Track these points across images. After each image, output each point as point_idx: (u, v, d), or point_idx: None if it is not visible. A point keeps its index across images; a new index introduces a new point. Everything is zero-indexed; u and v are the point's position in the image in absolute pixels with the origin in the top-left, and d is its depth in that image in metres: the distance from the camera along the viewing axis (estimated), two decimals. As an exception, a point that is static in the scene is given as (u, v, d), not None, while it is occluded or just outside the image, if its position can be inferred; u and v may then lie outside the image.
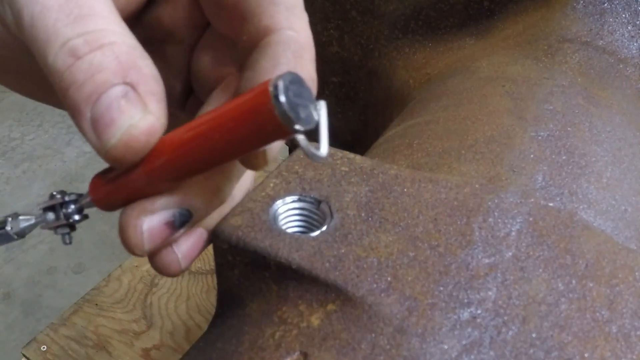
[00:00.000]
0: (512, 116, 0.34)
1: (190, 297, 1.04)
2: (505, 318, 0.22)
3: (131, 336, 0.95)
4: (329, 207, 0.25)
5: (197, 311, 1.02)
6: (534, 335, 0.22)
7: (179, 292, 1.04)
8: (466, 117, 0.35)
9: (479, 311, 0.22)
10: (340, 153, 0.28)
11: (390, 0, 0.50)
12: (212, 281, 1.08)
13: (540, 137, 0.32)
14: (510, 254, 0.24)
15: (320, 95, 0.60)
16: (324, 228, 0.25)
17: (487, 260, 0.24)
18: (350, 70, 0.56)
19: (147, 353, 0.93)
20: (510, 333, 0.22)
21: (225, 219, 0.25)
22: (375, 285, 0.22)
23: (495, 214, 0.26)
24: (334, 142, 0.25)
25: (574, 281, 0.24)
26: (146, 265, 1.06)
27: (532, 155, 0.31)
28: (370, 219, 0.25)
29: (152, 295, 1.02)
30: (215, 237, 0.24)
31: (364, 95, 0.56)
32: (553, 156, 0.31)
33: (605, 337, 0.22)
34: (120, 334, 0.94)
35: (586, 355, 0.21)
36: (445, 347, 0.21)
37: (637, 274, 0.24)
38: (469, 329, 0.22)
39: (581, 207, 0.28)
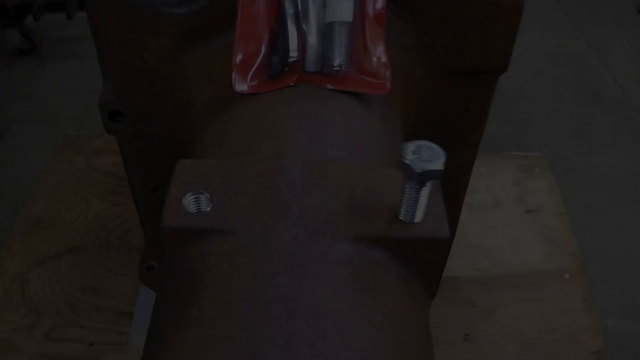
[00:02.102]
0: (278, 104, 0.59)
1: (60, 278, 1.16)
2: (306, 213, 0.48)
3: (27, 330, 1.07)
4: (209, 193, 0.49)
5: (70, 287, 1.16)
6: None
7: (48, 278, 1.16)
8: (252, 112, 0.59)
9: (294, 218, 0.48)
10: (199, 161, 0.51)
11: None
12: (71, 259, 1.21)
13: (297, 113, 0.57)
14: (299, 187, 0.50)
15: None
16: (211, 205, 0.48)
17: (289, 195, 0.49)
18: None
19: (46, 336, 1.07)
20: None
21: (163, 217, 0.47)
22: (246, 224, 0.47)
23: (286, 170, 0.51)
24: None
25: (332, 188, 0.50)
26: (11, 266, 1.18)
27: (297, 126, 0.56)
28: (230, 192, 0.49)
29: (28, 290, 1.14)
30: (162, 228, 0.46)
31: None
32: (307, 123, 0.56)
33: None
34: (18, 332, 1.08)
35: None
36: (285, 237, 0.47)
37: (362, 175, 0.51)
38: (293, 225, 0.47)
39: (329, 149, 0.54)
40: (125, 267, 1.19)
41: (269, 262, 0.43)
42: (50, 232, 1.24)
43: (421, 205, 0.47)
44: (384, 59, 0.63)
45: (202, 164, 0.51)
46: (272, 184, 0.50)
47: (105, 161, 1.39)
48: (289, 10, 0.63)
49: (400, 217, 0.48)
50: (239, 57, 0.63)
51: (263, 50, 0.63)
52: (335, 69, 0.63)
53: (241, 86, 0.63)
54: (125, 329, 1.08)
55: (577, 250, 1.24)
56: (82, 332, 1.08)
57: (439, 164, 0.43)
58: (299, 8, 0.64)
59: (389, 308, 0.43)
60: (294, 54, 0.64)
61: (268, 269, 0.43)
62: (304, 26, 0.64)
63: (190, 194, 0.49)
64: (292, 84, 0.63)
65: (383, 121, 0.62)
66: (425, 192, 0.46)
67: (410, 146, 0.43)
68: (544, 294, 1.15)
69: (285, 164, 0.51)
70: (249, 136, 0.56)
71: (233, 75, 0.63)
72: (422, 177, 0.44)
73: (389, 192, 0.49)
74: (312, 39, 0.63)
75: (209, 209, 0.48)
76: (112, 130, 0.84)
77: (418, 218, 0.47)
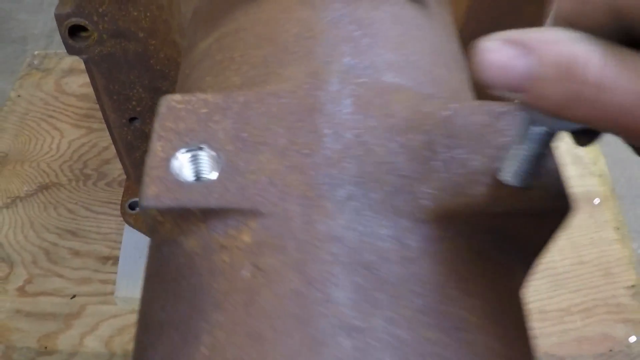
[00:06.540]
0: (304, 7, 0.40)
1: (32, 221, 1.04)
2: (365, 178, 0.31)
3: (0, 284, 0.95)
4: (213, 150, 0.31)
5: (45, 231, 1.03)
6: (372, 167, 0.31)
7: (20, 222, 1.03)
8: (268, 19, 0.40)
9: (350, 185, 0.31)
10: (194, 97, 0.33)
11: None
12: (44, 198, 1.07)
13: (333, 19, 0.39)
14: (350, 133, 0.33)
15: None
16: (219, 169, 0.31)
17: (338, 146, 0.32)
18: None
19: (22, 290, 0.95)
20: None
21: (143, 192, 0.29)
22: (276, 198, 0.30)
23: (329, 105, 0.34)
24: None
25: (397, 136, 0.33)
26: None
27: (335, 39, 0.38)
28: (245, 147, 0.32)
29: (-4, 237, 1.00)
30: (144, 209, 0.29)
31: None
32: (349, 34, 0.38)
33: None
34: (-10, 287, 0.94)
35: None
36: (338, 220, 0.30)
37: (438, 114, 0.33)
38: (348, 199, 0.31)
39: (385, 72, 0.37)
40: (106, 204, 1.06)
41: (317, 265, 0.27)
42: (19, 168, 1.09)
43: (534, 162, 0.30)
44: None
45: (199, 100, 0.33)
46: (310, 129, 0.32)
47: (77, 82, 1.21)
48: None
49: (505, 178, 0.31)
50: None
51: None
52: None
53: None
54: (110, 276, 0.97)
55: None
56: (62, 283, 0.96)
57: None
58: None
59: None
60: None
61: (318, 278, 0.27)
62: None
63: (183, 150, 0.31)
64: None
65: (444, 28, 0.44)
66: (545, 144, 0.29)
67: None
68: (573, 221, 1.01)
69: (328, 96, 0.34)
70: (266, 55, 0.38)
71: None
72: (559, 126, 0.27)
73: (481, 137, 0.33)
74: None
75: (214, 174, 0.31)
76: (75, 50, 0.66)
77: (530, 181, 0.31)
